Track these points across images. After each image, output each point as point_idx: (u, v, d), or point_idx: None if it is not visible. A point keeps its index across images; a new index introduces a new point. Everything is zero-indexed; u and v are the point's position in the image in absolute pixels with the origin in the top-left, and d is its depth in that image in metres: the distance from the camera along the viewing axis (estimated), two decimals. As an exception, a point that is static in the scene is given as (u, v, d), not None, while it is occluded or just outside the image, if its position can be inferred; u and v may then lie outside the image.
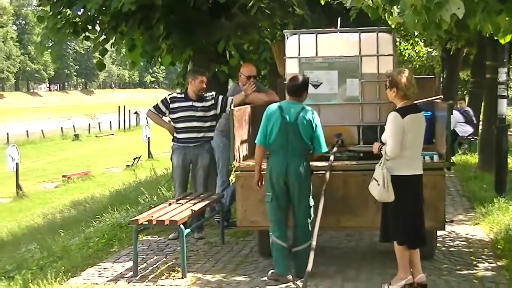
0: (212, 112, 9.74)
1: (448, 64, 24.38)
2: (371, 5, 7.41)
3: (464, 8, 5.91)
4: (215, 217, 10.06)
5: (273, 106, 7.69)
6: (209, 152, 9.76)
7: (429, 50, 29.44)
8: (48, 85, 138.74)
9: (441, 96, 10.29)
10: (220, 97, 9.83)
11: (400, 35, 25.40)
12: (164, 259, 8.65)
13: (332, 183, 7.89)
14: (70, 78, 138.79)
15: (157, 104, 9.90)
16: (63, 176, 30.95)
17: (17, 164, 27.96)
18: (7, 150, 29.20)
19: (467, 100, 23.54)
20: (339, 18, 9.26)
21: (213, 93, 9.85)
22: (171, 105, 9.76)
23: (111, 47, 12.66)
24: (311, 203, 7.73)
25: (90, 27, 11.91)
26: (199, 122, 9.66)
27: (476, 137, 20.11)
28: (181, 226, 7.92)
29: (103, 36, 11.97)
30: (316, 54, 8.90)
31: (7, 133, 52.23)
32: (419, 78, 10.00)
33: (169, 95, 10.02)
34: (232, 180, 10.11)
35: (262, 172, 7.73)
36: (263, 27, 12.16)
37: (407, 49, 29.26)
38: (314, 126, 7.66)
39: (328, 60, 8.87)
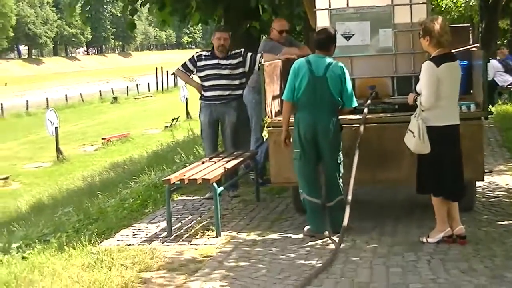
0: (240, 70, 9.58)
1: (487, 13, 23.89)
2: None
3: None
4: (250, 174, 9.95)
5: (301, 61, 7.50)
6: (236, 110, 9.63)
7: None
8: (86, 49, 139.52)
9: (478, 45, 10.07)
10: (249, 54, 9.62)
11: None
12: (199, 218, 8.58)
13: (366, 136, 7.70)
14: (107, 41, 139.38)
15: (185, 62, 9.78)
16: (102, 139, 31.24)
17: (56, 128, 28.16)
18: (46, 115, 29.40)
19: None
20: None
21: (242, 50, 9.67)
22: (198, 63, 9.64)
23: (140, 6, 12.54)
24: (341, 158, 7.57)
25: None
26: (226, 79, 9.53)
27: (516, 87, 19.70)
28: (214, 184, 7.80)
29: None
30: (347, 4, 8.71)
31: (46, 98, 52.64)
32: (454, 27, 9.79)
33: (196, 53, 9.89)
34: (266, 136, 9.97)
35: (290, 128, 7.55)
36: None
37: (444, -2, 28.69)
38: (343, 80, 7.43)
39: (360, 10, 8.68)
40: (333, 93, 7.40)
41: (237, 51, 9.61)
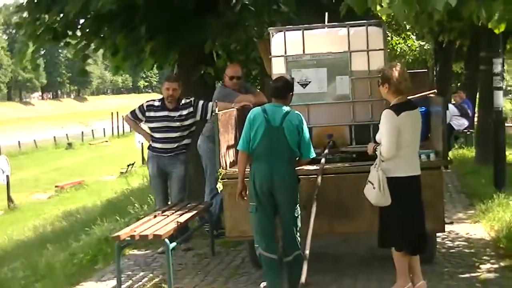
0: (190, 121, 9.31)
1: (441, 57, 24.05)
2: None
3: (458, -4, 5.48)
4: (205, 227, 9.61)
5: (257, 110, 7.23)
6: (184, 163, 9.35)
7: (421, 43, 29.02)
8: (41, 93, 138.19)
9: (435, 90, 9.91)
10: (200, 103, 9.34)
11: (391, 29, 24.98)
12: (151, 274, 8.21)
13: (324, 187, 7.44)
14: (63, 86, 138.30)
15: (135, 110, 9.49)
16: (55, 186, 30.44)
17: (7, 176, 27.43)
18: (-4, 163, 28.70)
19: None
20: (326, 13, 8.81)
21: (192, 99, 9.39)
22: (147, 113, 9.36)
23: (93, 52, 12.20)
24: (299, 211, 7.21)
25: (70, 33, 11.34)
26: (175, 132, 9.25)
27: (472, 130, 19.75)
28: (166, 240, 7.45)
29: (84, 42, 11.45)
30: (303, 51, 8.47)
31: (-1, 145, 51.61)
32: (411, 72, 9.62)
33: (147, 101, 9.60)
34: (220, 187, 9.65)
35: (246, 179, 7.25)
36: (250, 26, 11.71)
37: (399, 43, 28.82)
38: (300, 130, 7.17)
39: (316, 57, 8.44)
40: (290, 144, 7.12)
41: (187, 100, 9.32)
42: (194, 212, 8.61)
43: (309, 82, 8.44)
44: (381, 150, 6.71)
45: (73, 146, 52.07)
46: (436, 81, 23.49)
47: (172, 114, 9.22)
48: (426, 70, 10.26)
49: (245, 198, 7.26)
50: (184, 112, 9.19)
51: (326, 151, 7.98)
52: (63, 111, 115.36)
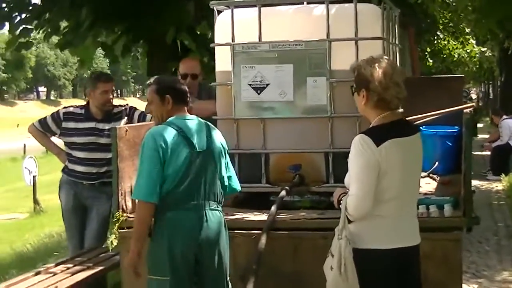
0: None
1: (506, 65, 20.99)
2: None
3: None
4: None
5: (165, 129, 4.50)
6: (111, 198, 6.49)
7: (483, 49, 25.79)
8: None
9: (473, 104, 7.06)
10: (137, 113, 6.81)
11: (447, 31, 22.10)
12: None
13: (273, 250, 4.91)
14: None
15: (46, 118, 6.91)
16: None
17: (34, 177, 24.97)
18: (23, 163, 26.18)
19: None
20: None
21: (126, 106, 6.93)
22: (65, 124, 6.80)
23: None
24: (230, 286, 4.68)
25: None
26: (103, 152, 6.55)
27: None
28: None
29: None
30: (260, 38, 5.60)
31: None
32: (440, 78, 6.94)
33: (64, 108, 7.06)
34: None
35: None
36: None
37: (456, 48, 25.49)
38: (225, 152, 4.76)
39: (278, 47, 5.58)
40: (221, 176, 4.64)
41: (120, 108, 6.72)
42: (100, 268, 5.91)
43: (267, 85, 5.61)
44: (347, 203, 3.90)
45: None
46: (500, 92, 20.52)
47: (101, 126, 6.60)
48: (462, 75, 7.45)
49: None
50: (118, 124, 6.42)
51: (283, 192, 5.20)
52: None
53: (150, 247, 4.47)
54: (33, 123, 6.93)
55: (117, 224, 5.15)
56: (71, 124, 6.76)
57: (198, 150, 4.47)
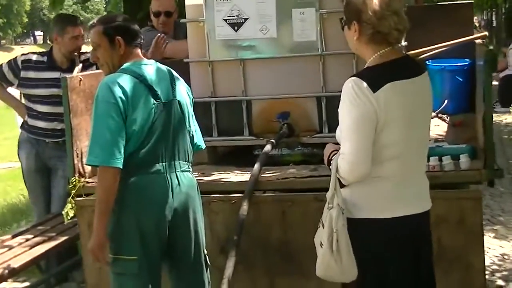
0: None
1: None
2: None
3: None
4: None
5: (123, 78, 3.65)
6: None
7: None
8: None
9: (486, 33, 6.26)
10: None
11: None
12: None
13: (257, 217, 4.20)
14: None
15: (1, 66, 6.08)
16: None
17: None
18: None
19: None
20: None
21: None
22: (24, 73, 5.96)
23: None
24: (207, 260, 3.93)
25: None
26: None
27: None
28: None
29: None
30: (235, -39, 4.74)
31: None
32: (447, 6, 6.26)
33: (23, 55, 6.16)
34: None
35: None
36: None
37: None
38: (191, 102, 3.97)
39: (257, -27, 4.72)
40: (189, 129, 3.89)
41: (87, 55, 5.83)
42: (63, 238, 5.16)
43: (245, 19, 4.75)
44: (338, 164, 3.13)
45: None
46: (505, 20, 19.53)
47: (67, 75, 5.74)
48: (471, 1, 6.50)
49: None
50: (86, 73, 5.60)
51: (269, 146, 4.39)
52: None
53: (112, 221, 3.66)
54: None
55: (73, 191, 4.37)
56: (31, 74, 5.92)
57: (163, 101, 3.66)
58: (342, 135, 3.18)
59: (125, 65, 3.70)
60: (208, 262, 3.88)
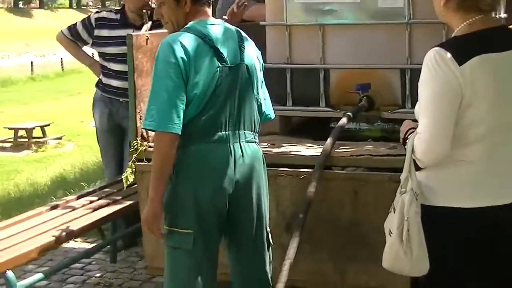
0: None
1: None
2: None
3: None
4: None
5: (187, 38, 3.36)
6: None
7: None
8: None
9: None
10: None
11: None
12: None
13: (326, 196, 3.87)
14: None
15: (75, 25, 5.99)
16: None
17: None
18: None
19: None
20: None
21: None
22: (97, 31, 5.86)
23: None
24: (270, 237, 3.62)
25: None
26: None
27: None
28: (9, 274, 3.88)
29: None
30: None
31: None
32: None
33: (96, 13, 6.09)
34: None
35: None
36: None
37: None
38: (261, 67, 3.63)
39: None
40: (257, 96, 3.57)
41: None
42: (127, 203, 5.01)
43: (325, -19, 4.43)
44: (414, 144, 2.85)
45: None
46: None
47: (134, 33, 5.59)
48: None
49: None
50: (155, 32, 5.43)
51: (345, 119, 4.08)
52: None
53: (168, 190, 3.42)
54: (61, 31, 6.01)
55: (134, 155, 4.15)
56: (105, 32, 5.82)
57: (229, 64, 3.38)
58: (420, 112, 2.86)
59: (190, 23, 3.42)
60: (271, 241, 3.60)
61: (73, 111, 19.93)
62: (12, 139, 16.56)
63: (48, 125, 17.34)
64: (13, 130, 16.62)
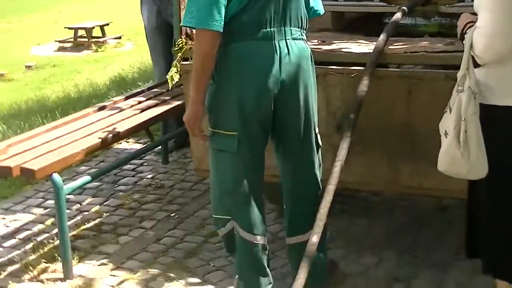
0: None
1: None
2: None
3: None
4: None
5: None
6: None
7: None
8: None
9: None
10: None
11: None
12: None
13: (379, 95, 3.62)
14: None
15: None
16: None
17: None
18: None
19: None
20: None
21: None
22: None
23: None
24: (319, 139, 3.47)
25: None
26: None
27: None
28: (55, 177, 3.80)
29: None
30: None
31: None
32: None
33: None
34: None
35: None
36: None
37: None
38: None
39: None
40: None
41: None
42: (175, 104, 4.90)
43: None
44: (473, 38, 2.64)
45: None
46: None
47: None
48: None
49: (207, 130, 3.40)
50: None
51: (399, 13, 3.86)
52: None
53: (211, 91, 3.28)
54: None
55: (179, 54, 3.98)
56: None
57: None
58: (481, 3, 2.61)
59: None
60: (320, 142, 3.44)
61: (132, 10, 19.79)
62: (72, 39, 16.58)
63: (108, 24, 17.29)
64: (73, 30, 16.63)
